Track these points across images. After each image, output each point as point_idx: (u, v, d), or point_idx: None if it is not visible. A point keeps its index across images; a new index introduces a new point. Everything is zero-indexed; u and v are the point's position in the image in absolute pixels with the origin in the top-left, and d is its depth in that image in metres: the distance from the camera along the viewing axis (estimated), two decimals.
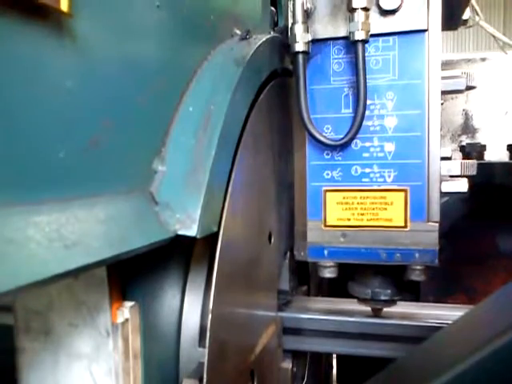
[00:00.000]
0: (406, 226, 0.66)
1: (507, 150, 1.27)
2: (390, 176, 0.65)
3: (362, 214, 0.67)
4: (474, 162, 0.68)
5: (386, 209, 0.66)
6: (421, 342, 0.63)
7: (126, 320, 0.45)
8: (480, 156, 1.28)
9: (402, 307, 0.76)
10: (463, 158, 0.72)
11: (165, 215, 0.45)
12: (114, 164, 0.41)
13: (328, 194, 0.68)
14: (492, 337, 0.47)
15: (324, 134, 0.66)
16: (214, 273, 0.48)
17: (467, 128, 1.26)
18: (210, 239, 0.50)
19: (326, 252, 0.69)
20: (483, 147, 1.27)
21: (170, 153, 0.47)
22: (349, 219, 0.67)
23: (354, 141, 0.66)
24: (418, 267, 0.66)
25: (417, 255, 0.66)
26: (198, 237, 0.46)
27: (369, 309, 0.74)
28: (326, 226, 0.68)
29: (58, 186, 0.35)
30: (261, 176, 0.64)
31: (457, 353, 0.51)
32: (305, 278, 0.92)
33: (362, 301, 0.73)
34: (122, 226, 0.40)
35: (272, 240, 0.67)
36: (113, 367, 0.45)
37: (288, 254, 0.78)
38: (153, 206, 0.45)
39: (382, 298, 0.71)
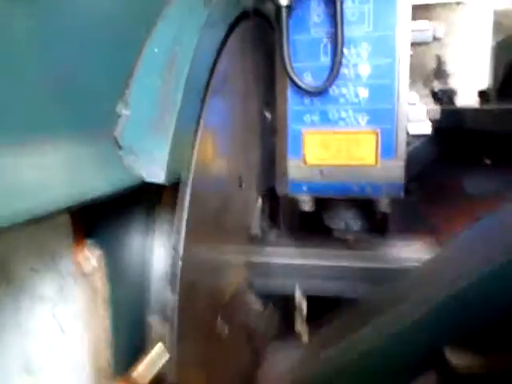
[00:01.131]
0: (376, 164, 0.74)
1: (478, 96, 1.27)
2: (363, 120, 0.73)
3: (338, 154, 0.75)
4: (438, 107, 0.79)
5: (359, 149, 0.74)
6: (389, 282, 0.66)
7: (92, 265, 0.45)
8: (451, 101, 1.28)
9: (372, 249, 0.82)
10: (434, 103, 0.78)
11: (130, 160, 0.44)
12: (74, 106, 0.39)
13: (307, 135, 0.75)
14: (456, 277, 0.49)
15: (304, 80, 0.71)
16: (182, 216, 0.48)
17: (440, 73, 1.25)
18: (179, 184, 0.49)
19: (305, 187, 0.77)
20: (454, 93, 1.27)
21: (134, 95, 0.46)
22: (326, 158, 0.75)
23: (332, 87, 0.72)
24: (386, 200, 0.76)
25: (384, 189, 0.75)
26: (166, 183, 0.45)
27: (337, 253, 0.79)
28: (305, 164, 0.76)
29: (12, 130, 0.33)
30: (231, 120, 0.63)
31: (423, 290, 0.53)
32: (276, 220, 0.93)
33: (337, 232, 0.84)
34: (84, 171, 0.38)
35: (243, 185, 0.67)
36: (79, 313, 0.45)
37: (259, 198, 0.78)
38: (117, 151, 0.44)
39: (354, 228, 0.82)
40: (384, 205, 0.75)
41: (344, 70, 0.71)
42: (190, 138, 0.50)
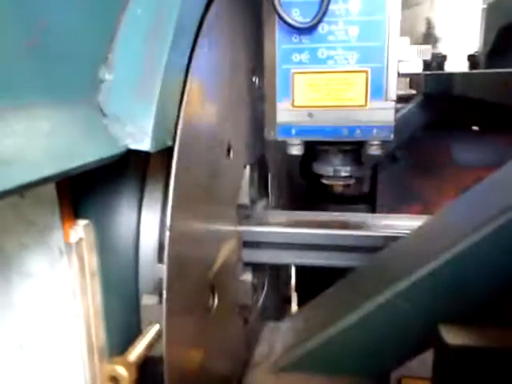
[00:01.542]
0: (366, 105, 0.72)
1: (467, 60, 1.26)
2: (353, 58, 0.70)
3: (327, 95, 0.72)
4: (429, 47, 0.75)
5: (348, 89, 0.72)
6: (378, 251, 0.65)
7: (80, 239, 0.44)
8: (440, 66, 1.27)
9: (361, 218, 0.81)
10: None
11: (114, 128, 0.42)
12: (55, 71, 0.37)
13: (296, 76, 0.72)
14: (446, 247, 0.49)
15: (292, 17, 0.69)
16: (170, 187, 0.47)
17: (429, 37, 1.23)
18: (167, 153, 0.48)
19: (293, 131, 0.75)
20: (444, 57, 1.26)
21: (118, 60, 0.43)
22: (315, 99, 0.73)
23: (321, 24, 0.70)
24: (376, 142, 0.74)
25: (375, 131, 0.73)
26: (152, 151, 0.43)
27: (323, 220, 0.80)
28: (294, 106, 0.74)
29: None
30: (218, 87, 0.61)
31: (413, 262, 0.53)
32: (265, 190, 0.92)
33: (326, 178, 0.83)
34: (68, 139, 0.37)
35: (231, 153, 0.66)
36: (69, 286, 0.44)
37: (248, 167, 0.77)
38: (101, 119, 0.42)
39: (343, 174, 0.81)
40: (374, 148, 0.74)
41: (333, 6, 0.69)
42: (176, 103, 0.48)
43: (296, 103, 0.73)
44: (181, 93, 0.49)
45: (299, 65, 0.72)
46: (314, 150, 0.80)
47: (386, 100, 0.71)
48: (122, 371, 0.42)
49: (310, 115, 0.73)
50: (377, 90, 0.71)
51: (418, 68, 0.73)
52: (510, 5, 0.98)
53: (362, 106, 0.72)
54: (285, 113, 0.74)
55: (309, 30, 0.69)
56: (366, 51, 0.70)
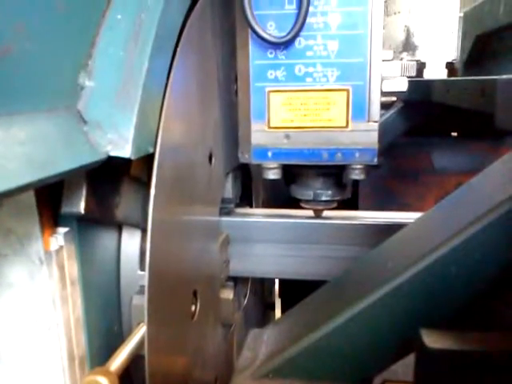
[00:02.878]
0: (347, 126, 0.67)
1: (446, 67, 1.28)
2: (332, 75, 0.66)
3: (305, 115, 0.68)
4: (413, 63, 0.70)
5: (328, 109, 0.67)
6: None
7: (61, 247, 0.43)
8: (419, 73, 1.28)
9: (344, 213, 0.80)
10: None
11: (95, 135, 0.42)
12: (33, 77, 0.37)
13: (272, 94, 0.68)
14: (426, 252, 0.49)
15: (267, 31, 0.64)
16: (151, 194, 0.46)
17: (408, 45, 1.25)
18: (147, 159, 0.48)
19: (269, 154, 0.70)
20: (423, 64, 1.28)
21: (98, 66, 0.43)
22: (292, 120, 0.68)
23: (298, 39, 0.65)
24: (358, 166, 0.69)
25: (357, 154, 0.68)
26: (132, 158, 0.43)
27: (310, 217, 0.77)
28: (269, 127, 0.69)
29: None
30: (200, 92, 0.61)
31: (394, 267, 0.53)
32: (247, 197, 0.92)
33: (305, 202, 0.77)
34: (47, 147, 0.36)
35: (213, 160, 0.66)
36: (49, 296, 0.43)
37: (230, 174, 0.77)
38: (81, 126, 0.42)
39: (324, 198, 0.75)
40: (356, 172, 0.69)
41: (311, 19, 0.64)
42: (157, 110, 0.48)
43: (272, 124, 0.69)
44: (162, 99, 0.49)
45: (275, 82, 0.67)
46: (291, 167, 0.75)
47: (369, 121, 0.66)
48: (103, 381, 0.42)
49: (287, 137, 0.69)
50: (359, 110, 0.66)
51: (403, 86, 0.70)
52: (485, 14, 1.00)
53: (343, 127, 0.67)
54: (260, 134, 0.69)
55: (285, 44, 0.65)
56: (346, 68, 0.65)
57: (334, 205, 0.77)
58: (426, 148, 1.33)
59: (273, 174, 0.71)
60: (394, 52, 1.20)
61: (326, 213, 0.78)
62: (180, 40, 0.51)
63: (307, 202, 0.76)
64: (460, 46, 1.16)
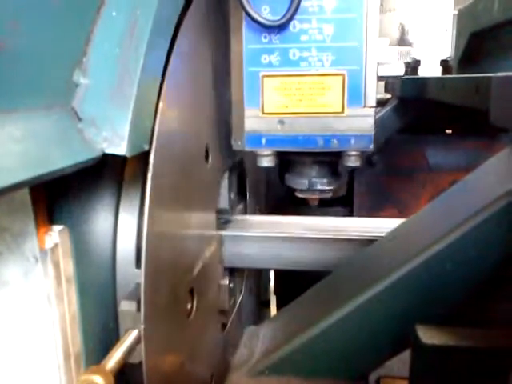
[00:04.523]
0: (342, 112, 0.65)
1: (440, 65, 1.28)
2: (328, 60, 0.64)
3: (300, 100, 0.66)
4: (409, 48, 0.68)
5: (323, 94, 0.65)
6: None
7: (56, 245, 0.43)
8: (414, 71, 1.29)
9: (338, 222, 0.80)
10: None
11: (90, 133, 0.42)
12: (27, 75, 0.36)
13: (266, 79, 0.66)
14: (421, 249, 0.50)
15: (261, 14, 0.62)
16: (147, 192, 0.46)
17: (403, 42, 1.25)
18: (143, 157, 0.48)
19: (263, 140, 0.68)
20: (418, 62, 1.28)
21: (93, 63, 0.43)
22: (286, 106, 0.66)
23: (292, 22, 0.63)
24: (354, 153, 0.67)
25: (353, 141, 0.66)
26: (128, 155, 0.43)
27: (305, 223, 0.76)
28: (263, 113, 0.67)
29: None
30: (196, 89, 0.60)
31: (390, 263, 0.53)
32: (243, 195, 0.92)
33: (299, 191, 0.75)
34: (42, 144, 0.36)
35: (209, 158, 0.65)
36: (45, 294, 0.43)
37: (227, 172, 0.76)
38: (76, 123, 0.42)
39: (319, 187, 0.73)
40: (352, 159, 0.67)
41: (306, 3, 0.62)
42: (153, 107, 0.47)
43: (266, 110, 0.67)
44: (157, 96, 0.49)
45: (269, 67, 0.65)
46: (285, 155, 0.73)
47: (365, 106, 0.65)
48: (98, 380, 0.42)
49: (281, 123, 0.67)
50: (354, 95, 0.64)
51: (399, 71, 0.69)
52: (479, 11, 1.00)
53: (339, 112, 0.65)
54: (253, 120, 0.67)
55: (279, 28, 0.63)
56: (342, 52, 0.63)
57: (330, 194, 0.75)
58: (420, 145, 1.34)
59: (267, 162, 0.69)
60: None
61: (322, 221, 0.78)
62: (175, 37, 0.51)
63: (302, 191, 0.75)
64: (454, 43, 1.17)
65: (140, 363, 0.46)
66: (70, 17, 0.41)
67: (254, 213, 0.99)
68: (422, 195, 1.35)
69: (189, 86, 0.58)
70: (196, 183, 0.62)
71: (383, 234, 0.67)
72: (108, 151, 0.42)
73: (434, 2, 1.25)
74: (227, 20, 0.67)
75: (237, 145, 0.69)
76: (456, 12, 1.23)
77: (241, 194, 0.91)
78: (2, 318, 0.44)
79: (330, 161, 0.73)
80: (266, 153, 0.69)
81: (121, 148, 0.42)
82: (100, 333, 0.50)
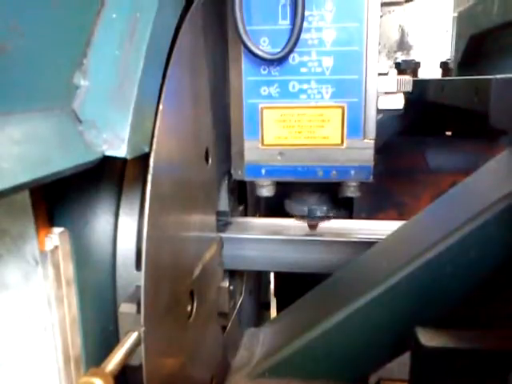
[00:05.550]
0: (342, 144, 0.66)
1: (440, 67, 1.28)
2: (327, 92, 0.65)
3: (300, 132, 0.66)
4: (409, 78, 0.68)
5: (322, 126, 0.66)
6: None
7: (56, 247, 0.43)
8: (414, 73, 1.29)
9: (338, 224, 0.80)
10: (398, 75, 0.72)
11: (90, 135, 0.42)
12: (27, 77, 0.36)
13: (265, 111, 0.66)
14: (424, 250, 0.50)
15: (261, 47, 0.63)
16: (147, 194, 0.46)
17: (403, 44, 1.25)
18: (144, 159, 0.48)
19: (263, 171, 0.69)
20: (417, 64, 1.28)
21: (93, 65, 0.43)
22: (286, 137, 0.67)
23: (292, 55, 0.64)
24: (353, 184, 0.68)
25: (352, 172, 0.67)
26: (128, 157, 0.43)
27: (305, 226, 0.76)
28: (263, 144, 0.68)
29: None
30: (195, 92, 0.60)
31: (390, 266, 0.53)
32: (242, 197, 0.92)
33: (299, 218, 0.75)
34: (42, 146, 0.36)
35: (209, 160, 0.66)
36: (45, 296, 0.43)
37: (227, 174, 0.76)
38: (76, 125, 0.42)
39: (318, 214, 0.74)
40: (351, 189, 0.68)
41: (305, 35, 0.62)
42: (153, 109, 0.48)
43: (265, 141, 0.67)
44: (157, 98, 0.49)
45: (268, 99, 0.66)
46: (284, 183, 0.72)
47: (365, 138, 0.65)
48: (98, 383, 0.42)
49: (281, 154, 0.67)
50: (354, 127, 0.65)
51: (399, 103, 0.67)
52: (479, 13, 1.01)
53: (338, 144, 0.65)
54: (253, 151, 0.68)
55: (279, 61, 0.63)
56: (341, 84, 0.64)
57: (329, 220, 0.76)
58: (420, 147, 1.34)
59: (266, 191, 0.70)
60: (389, 52, 1.21)
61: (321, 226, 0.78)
62: (175, 39, 0.51)
63: (302, 217, 0.75)
64: (454, 45, 1.17)
65: (140, 365, 0.46)
66: (70, 19, 0.41)
67: (254, 215, 0.99)
68: (422, 197, 1.35)
69: (189, 88, 0.58)
70: (196, 185, 0.62)
71: (383, 237, 0.67)
72: (108, 153, 0.42)
73: (433, 4, 1.25)
74: (226, 26, 0.67)
75: (237, 174, 0.71)
76: (456, 14, 1.23)
77: (241, 196, 0.91)
78: (1, 321, 0.43)
79: (329, 189, 0.73)
80: (265, 183, 0.70)
81: (121, 150, 0.42)
82: (100, 335, 0.50)
